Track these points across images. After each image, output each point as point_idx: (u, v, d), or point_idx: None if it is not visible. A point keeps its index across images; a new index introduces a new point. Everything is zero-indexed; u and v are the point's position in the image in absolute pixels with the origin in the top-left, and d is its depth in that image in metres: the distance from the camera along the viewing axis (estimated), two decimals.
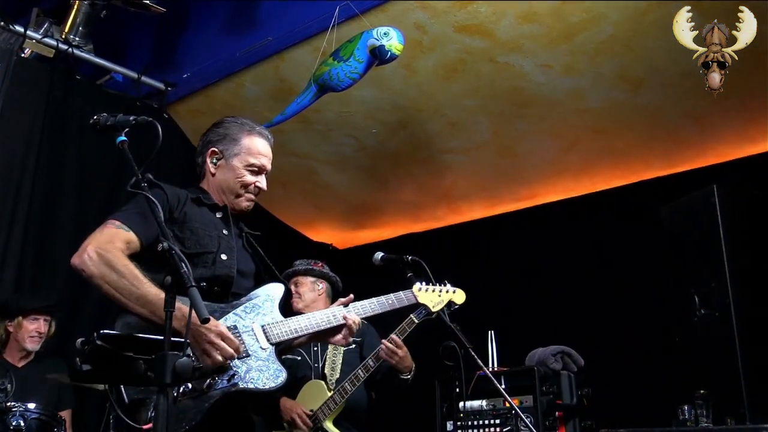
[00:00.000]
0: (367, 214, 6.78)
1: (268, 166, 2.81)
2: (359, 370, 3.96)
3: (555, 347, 4.18)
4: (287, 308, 2.74)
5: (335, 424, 4.03)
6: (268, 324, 2.54)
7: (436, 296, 3.34)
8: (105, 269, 2.27)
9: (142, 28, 5.78)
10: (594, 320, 5.04)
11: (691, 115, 4.82)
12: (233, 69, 5.24)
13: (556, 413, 3.96)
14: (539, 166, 5.64)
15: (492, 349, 4.43)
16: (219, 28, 5.36)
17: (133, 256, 2.36)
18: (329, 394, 4.03)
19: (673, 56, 4.15)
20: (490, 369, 4.24)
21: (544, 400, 3.94)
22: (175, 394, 2.17)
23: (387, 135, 5.62)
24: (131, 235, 2.39)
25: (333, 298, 4.48)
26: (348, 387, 3.96)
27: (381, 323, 4.20)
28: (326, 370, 4.21)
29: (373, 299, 2.95)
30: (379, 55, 4.09)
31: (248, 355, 2.42)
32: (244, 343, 2.43)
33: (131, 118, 2.24)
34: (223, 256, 2.57)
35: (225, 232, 2.66)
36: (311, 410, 4.03)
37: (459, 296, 3.44)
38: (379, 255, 3.57)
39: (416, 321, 3.86)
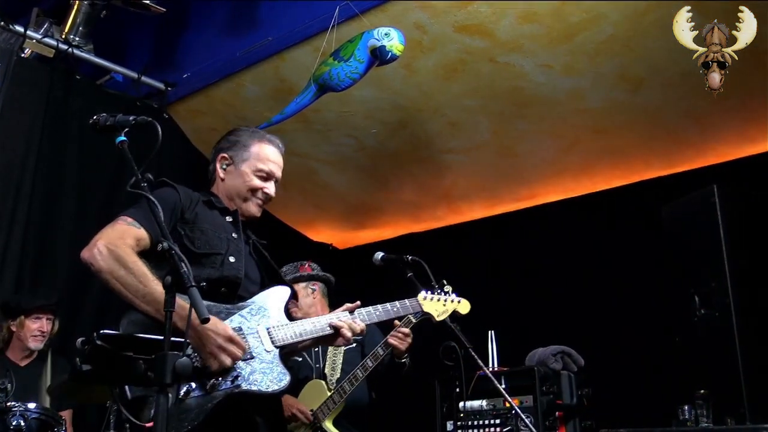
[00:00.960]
0: (368, 214, 6.78)
1: (278, 174, 2.84)
2: (358, 370, 3.95)
3: (555, 347, 4.18)
4: (288, 319, 2.73)
5: (335, 423, 4.03)
6: (273, 327, 2.55)
7: (440, 305, 3.32)
8: (114, 265, 2.29)
9: (142, 28, 5.79)
10: (594, 320, 5.04)
11: (691, 115, 4.82)
12: (233, 69, 5.24)
13: (556, 413, 3.96)
14: (539, 166, 5.64)
15: (492, 349, 4.43)
16: (219, 28, 5.36)
17: (142, 254, 2.38)
18: (329, 394, 4.03)
19: (673, 56, 4.15)
20: (490, 369, 4.23)
21: (544, 400, 3.94)
22: (179, 394, 2.18)
23: (387, 135, 5.62)
24: (142, 232, 2.41)
25: (329, 295, 4.47)
26: (347, 387, 3.96)
27: (379, 323, 4.21)
28: (326, 370, 4.20)
29: (378, 306, 2.95)
30: (379, 56, 4.09)
31: (252, 357, 2.42)
32: (249, 344, 2.43)
33: (131, 118, 2.24)
34: (232, 259, 2.58)
35: (234, 235, 2.67)
36: (311, 410, 4.03)
37: (464, 306, 3.42)
38: (379, 255, 3.57)
39: (414, 321, 3.86)
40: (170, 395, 2.02)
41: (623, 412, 4.24)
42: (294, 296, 2.74)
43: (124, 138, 2.22)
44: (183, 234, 2.53)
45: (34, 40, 5.12)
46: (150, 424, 2.13)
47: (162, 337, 1.84)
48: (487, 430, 4.10)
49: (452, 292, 3.42)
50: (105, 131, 2.25)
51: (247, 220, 2.81)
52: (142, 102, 5.57)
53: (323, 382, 4.14)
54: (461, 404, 4.09)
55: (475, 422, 4.13)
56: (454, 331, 3.28)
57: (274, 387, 2.42)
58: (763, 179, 4.58)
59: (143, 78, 5.58)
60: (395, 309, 3.03)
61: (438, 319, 3.29)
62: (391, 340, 3.89)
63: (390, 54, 4.08)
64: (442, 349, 3.42)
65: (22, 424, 3.67)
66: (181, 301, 2.05)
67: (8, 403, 3.72)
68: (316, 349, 4.27)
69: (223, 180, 2.80)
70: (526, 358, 4.27)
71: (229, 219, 2.73)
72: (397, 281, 3.32)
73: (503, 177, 5.87)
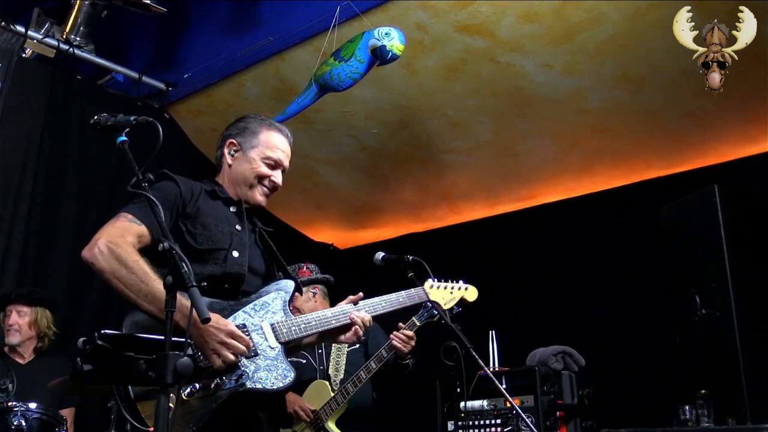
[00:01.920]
0: (368, 214, 6.78)
1: (286, 163, 2.82)
2: (361, 372, 3.95)
3: (556, 347, 4.18)
4: None
5: (338, 424, 4.03)
6: (278, 322, 2.52)
7: (447, 293, 3.31)
8: (115, 264, 2.27)
9: (142, 28, 5.79)
10: (595, 320, 5.03)
11: (692, 115, 4.82)
12: (234, 69, 5.24)
13: (557, 413, 3.96)
14: (540, 166, 5.64)
15: (493, 349, 4.43)
16: (220, 28, 5.37)
17: (144, 251, 2.36)
18: (332, 395, 4.03)
19: (673, 56, 4.15)
20: (491, 369, 4.24)
21: (545, 400, 3.94)
22: (183, 395, 2.17)
23: (388, 135, 5.62)
24: (143, 229, 2.38)
25: (330, 296, 4.46)
26: (350, 388, 3.96)
27: (382, 324, 4.21)
28: (330, 371, 4.20)
29: (384, 297, 2.92)
30: (380, 56, 4.09)
31: (257, 354, 2.40)
32: (253, 341, 2.41)
33: (132, 118, 2.23)
34: (235, 253, 2.55)
35: (238, 227, 2.64)
36: (314, 410, 4.03)
37: (471, 293, 3.41)
38: (379, 255, 3.56)
39: (418, 324, 3.85)
40: (172, 395, 2.03)
41: (624, 412, 4.24)
42: (298, 289, 2.70)
43: (125, 138, 2.21)
44: (184, 230, 2.49)
45: (35, 41, 5.13)
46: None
47: (163, 337, 1.83)
48: (488, 430, 4.10)
49: (459, 280, 3.40)
50: (106, 131, 2.24)
51: (251, 208, 2.78)
52: (142, 102, 5.57)
53: (327, 383, 4.14)
54: (462, 404, 4.10)
55: (476, 422, 4.13)
56: (455, 331, 3.27)
57: (279, 384, 2.39)
58: (764, 179, 4.58)
59: (144, 78, 5.58)
60: (401, 299, 2.99)
61: (446, 306, 3.27)
62: (395, 343, 3.88)
63: (390, 54, 4.08)
64: (443, 349, 3.41)
65: (24, 423, 3.67)
66: (184, 300, 2.03)
67: (9, 403, 3.72)
68: (320, 350, 4.27)
69: (230, 166, 2.76)
70: (527, 358, 4.27)
71: (233, 209, 2.70)
72: (397, 281, 3.31)
73: (504, 177, 5.87)
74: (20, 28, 4.99)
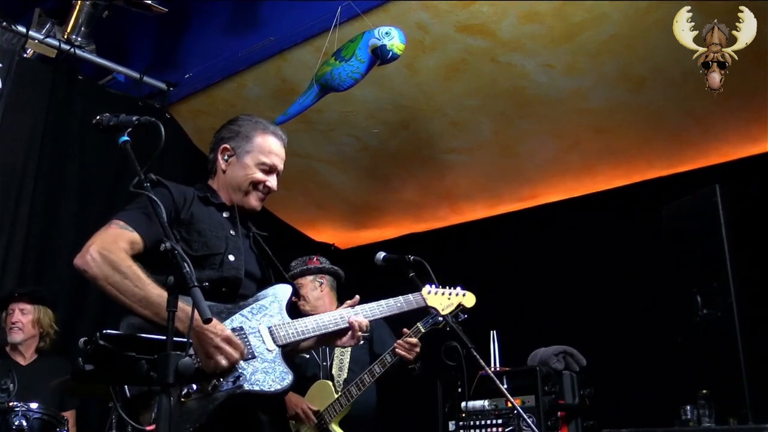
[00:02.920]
0: (369, 214, 6.78)
1: (280, 166, 2.78)
2: (365, 375, 3.93)
3: (557, 347, 4.18)
4: (295, 313, 2.71)
5: (341, 425, 4.02)
6: (275, 325, 2.52)
7: (445, 299, 3.28)
8: (108, 270, 2.26)
9: (144, 28, 5.79)
10: (596, 320, 5.03)
11: (693, 115, 4.82)
12: (235, 69, 5.25)
13: (559, 413, 3.97)
14: (541, 166, 5.64)
15: (494, 348, 4.43)
16: (221, 28, 5.37)
17: (137, 257, 2.34)
18: (335, 396, 4.02)
19: (674, 56, 4.14)
20: (493, 369, 4.24)
21: (546, 400, 3.95)
22: (180, 396, 2.17)
23: (389, 135, 5.62)
24: (135, 236, 2.37)
25: (338, 289, 4.44)
26: (354, 391, 3.93)
27: (388, 323, 4.20)
28: (334, 370, 4.17)
29: (382, 302, 2.91)
30: (380, 55, 4.09)
31: (254, 357, 2.40)
32: (250, 344, 2.41)
33: (134, 118, 2.23)
34: (231, 258, 2.55)
35: (232, 232, 2.63)
36: (317, 410, 4.02)
37: (469, 299, 3.38)
38: (381, 255, 3.55)
39: (423, 330, 3.83)
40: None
41: (625, 412, 4.24)
42: (296, 294, 2.71)
43: (127, 138, 2.21)
44: (179, 237, 2.47)
45: (37, 41, 5.13)
46: (151, 427, 2.12)
47: (164, 337, 1.84)
48: (489, 430, 4.10)
49: (457, 286, 3.39)
50: (108, 131, 2.24)
51: (246, 214, 2.76)
52: (144, 102, 5.57)
53: (330, 384, 4.11)
54: (463, 404, 4.10)
55: (477, 422, 4.14)
56: (456, 331, 3.27)
57: (276, 386, 2.40)
58: (765, 179, 4.58)
59: (145, 78, 5.59)
60: (399, 304, 2.98)
61: (443, 312, 3.25)
62: (399, 351, 3.86)
63: (391, 53, 4.07)
64: (444, 349, 3.41)
65: (25, 424, 3.67)
66: (181, 303, 2.03)
67: (11, 403, 3.73)
68: (323, 346, 4.25)
69: (224, 172, 2.73)
70: (528, 358, 4.27)
71: (226, 215, 2.69)
72: (398, 281, 3.31)
73: (505, 177, 5.86)
74: (21, 29, 5.00)
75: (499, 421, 4.07)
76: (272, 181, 2.75)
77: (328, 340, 2.80)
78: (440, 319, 3.45)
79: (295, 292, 2.70)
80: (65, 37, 5.32)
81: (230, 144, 2.75)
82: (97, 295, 4.93)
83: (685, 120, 4.88)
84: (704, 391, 3.26)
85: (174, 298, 1.88)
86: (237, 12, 5.27)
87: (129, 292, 2.24)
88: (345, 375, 4.15)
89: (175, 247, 1.93)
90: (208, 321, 1.88)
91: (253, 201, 2.73)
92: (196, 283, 1.88)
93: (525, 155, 5.56)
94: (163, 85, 5.65)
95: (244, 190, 2.71)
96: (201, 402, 2.26)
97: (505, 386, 3.95)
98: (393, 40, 4.05)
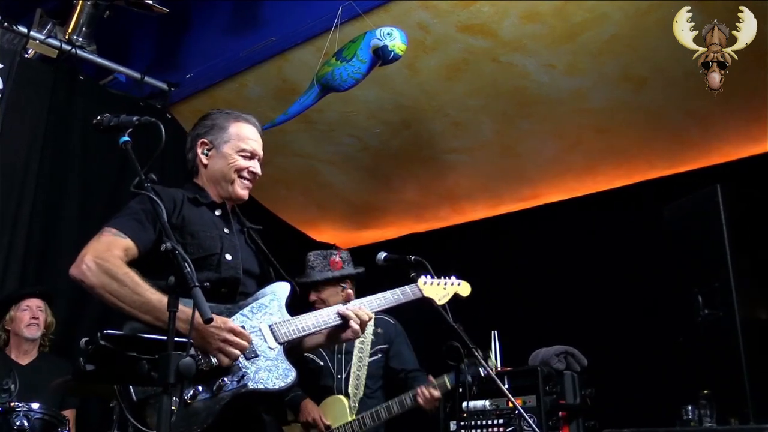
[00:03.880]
0: (370, 214, 6.78)
1: (260, 152, 2.78)
2: (382, 410, 3.87)
3: (558, 347, 4.17)
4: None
5: None
6: (276, 323, 2.53)
7: (441, 289, 3.28)
8: (105, 279, 2.26)
9: (145, 29, 5.79)
10: (597, 320, 5.03)
11: (695, 115, 4.81)
12: (236, 69, 5.25)
13: (560, 413, 3.96)
14: (542, 166, 5.64)
15: (495, 348, 4.42)
16: (222, 28, 5.37)
17: (131, 264, 2.34)
18: (348, 418, 3.93)
19: (676, 56, 4.14)
20: (494, 369, 4.23)
21: (547, 400, 3.94)
22: (186, 398, 2.17)
23: (390, 135, 5.62)
24: (128, 242, 2.36)
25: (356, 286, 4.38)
26: (368, 421, 3.86)
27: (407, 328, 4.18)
28: (350, 387, 4.06)
29: (379, 294, 2.92)
30: (382, 56, 4.09)
31: (257, 356, 2.41)
32: (252, 343, 2.42)
33: (134, 118, 2.23)
34: (228, 257, 2.55)
35: (226, 230, 2.63)
36: (329, 425, 3.94)
37: (464, 288, 3.38)
38: (382, 255, 3.54)
39: (449, 386, 3.79)
40: (174, 398, 2.03)
41: (626, 412, 4.24)
42: (294, 291, 2.69)
43: (128, 138, 2.21)
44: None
45: (38, 41, 5.13)
46: None
47: (165, 337, 1.84)
48: (490, 430, 4.10)
49: (452, 275, 3.38)
50: (108, 132, 2.24)
51: (235, 204, 2.76)
52: (145, 102, 5.58)
53: (346, 402, 4.01)
54: (464, 404, 4.09)
55: (479, 422, 4.13)
56: (457, 330, 3.27)
57: (280, 384, 2.41)
58: (766, 179, 4.57)
59: (146, 78, 5.59)
60: (396, 296, 2.99)
61: (440, 303, 3.22)
62: (420, 400, 3.83)
63: (392, 54, 4.08)
64: (445, 349, 3.41)
65: (26, 424, 3.67)
66: (182, 306, 2.01)
67: (12, 404, 3.72)
68: (339, 356, 4.15)
69: (206, 166, 2.72)
70: (529, 358, 4.27)
71: (218, 213, 2.68)
72: (400, 281, 3.31)
73: (506, 177, 5.86)
74: (23, 29, 4.99)
75: (500, 422, 4.06)
76: (256, 167, 2.75)
77: (335, 337, 2.79)
78: (470, 378, 3.42)
79: (293, 291, 2.69)
80: (66, 37, 5.32)
81: (207, 138, 2.74)
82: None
83: (687, 120, 4.88)
84: (705, 391, 3.27)
85: (174, 298, 1.88)
86: (238, 12, 5.27)
87: (128, 298, 2.25)
88: (361, 393, 4.07)
89: (176, 247, 1.93)
90: (209, 321, 1.88)
91: (240, 190, 2.71)
92: (197, 283, 1.88)
93: (526, 155, 5.56)
94: (164, 86, 5.65)
95: (230, 179, 2.69)
96: (207, 403, 2.26)
97: (507, 386, 3.95)
98: (395, 40, 4.06)
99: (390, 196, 6.47)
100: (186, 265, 1.90)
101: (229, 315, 2.46)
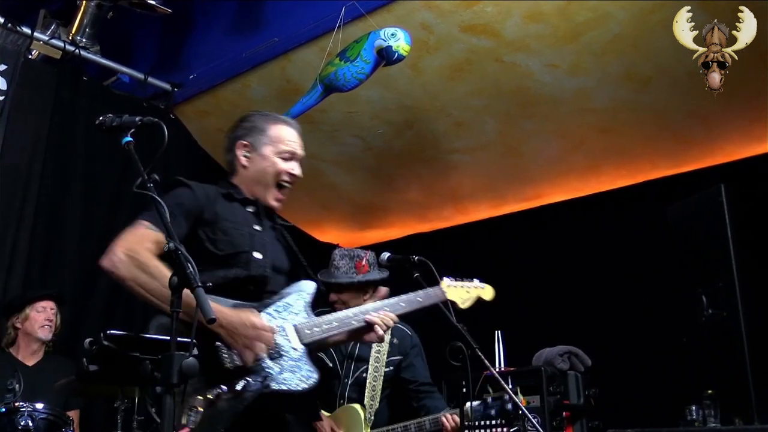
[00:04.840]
0: (374, 214, 6.78)
1: (300, 152, 2.80)
2: (399, 429, 3.84)
3: (562, 347, 4.16)
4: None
5: None
6: (301, 324, 2.53)
7: (464, 292, 3.25)
8: (136, 271, 2.28)
9: (148, 29, 5.80)
10: (601, 320, 5.02)
11: (698, 115, 4.81)
12: (239, 70, 5.26)
13: (564, 413, 3.95)
14: (545, 166, 5.64)
15: (499, 349, 4.42)
16: (225, 28, 5.37)
17: (163, 256, 2.33)
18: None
19: (679, 55, 4.12)
20: (497, 369, 4.23)
21: (551, 400, 3.93)
22: (210, 397, 2.17)
23: (393, 135, 5.62)
24: (160, 235, 2.36)
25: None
26: None
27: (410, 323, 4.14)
28: (366, 399, 3.99)
29: (402, 296, 2.91)
30: (386, 56, 4.09)
31: (281, 356, 2.41)
32: (277, 343, 2.43)
33: (137, 118, 2.24)
34: (257, 255, 2.56)
35: (257, 227, 2.65)
36: None
37: (488, 292, 3.36)
38: (385, 255, 3.54)
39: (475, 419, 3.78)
40: (200, 397, 2.07)
41: (631, 412, 4.23)
42: (319, 290, 2.70)
43: (131, 139, 2.22)
44: (204, 237, 2.50)
45: (41, 42, 5.15)
46: (185, 430, 2.14)
47: (168, 338, 1.84)
48: (493, 430, 4.09)
49: (474, 279, 3.34)
50: (111, 132, 2.25)
51: (270, 207, 2.77)
52: (148, 103, 5.59)
53: (362, 415, 3.95)
54: (468, 404, 4.08)
55: (482, 422, 4.13)
56: (461, 331, 3.26)
57: (303, 385, 2.41)
58: None
59: (150, 79, 5.60)
60: (420, 298, 2.98)
61: (462, 306, 3.20)
62: (443, 420, 3.78)
63: (396, 54, 4.08)
64: (448, 350, 3.40)
65: (30, 424, 3.68)
66: (214, 303, 2.03)
67: (17, 404, 3.73)
68: (350, 360, 4.10)
69: (245, 167, 2.74)
70: (533, 359, 4.25)
71: (250, 209, 2.70)
72: (403, 281, 3.31)
73: (509, 177, 5.86)
74: (26, 30, 5.01)
75: (504, 422, 4.06)
76: (296, 169, 2.78)
77: (356, 334, 2.79)
78: (492, 411, 3.36)
79: (318, 289, 2.69)
80: (70, 38, 5.33)
81: (247, 140, 2.76)
82: (102, 296, 4.96)
83: (690, 119, 4.87)
84: (710, 392, 3.26)
85: (178, 298, 1.88)
86: (241, 13, 5.27)
87: (157, 291, 2.25)
88: (377, 405, 4.01)
89: (178, 248, 1.93)
90: (211, 321, 1.88)
91: (271, 201, 2.74)
92: (199, 284, 1.88)
93: (529, 155, 5.55)
94: (167, 86, 5.66)
95: (266, 183, 2.72)
96: (231, 403, 2.27)
97: (510, 386, 3.94)
98: (399, 41, 4.05)
99: (393, 196, 6.47)
100: (189, 265, 1.91)
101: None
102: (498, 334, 4.43)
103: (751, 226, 3.52)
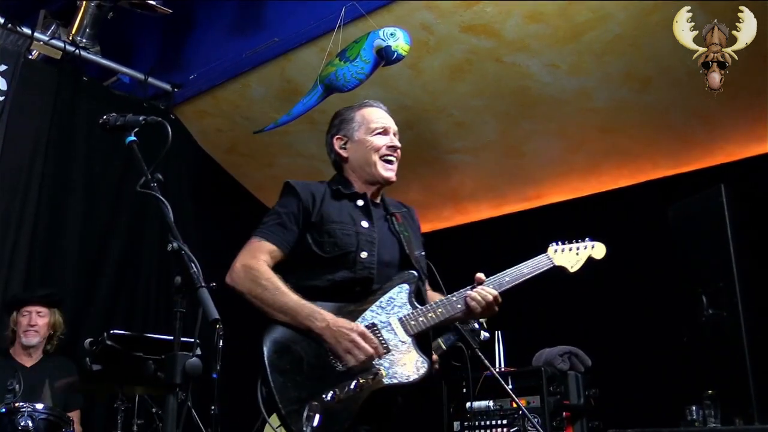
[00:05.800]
0: None
1: (393, 126, 2.83)
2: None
3: (562, 347, 4.18)
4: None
5: None
6: (405, 316, 2.55)
7: (573, 255, 3.17)
8: (251, 285, 2.44)
9: (148, 30, 5.80)
10: (601, 320, 5.02)
11: (699, 115, 4.81)
12: (239, 70, 5.25)
13: (564, 413, 3.96)
14: (546, 166, 5.64)
15: (499, 349, 4.43)
16: (225, 29, 5.38)
17: (277, 265, 2.52)
18: None
19: (680, 55, 4.12)
20: (498, 369, 4.24)
21: (551, 400, 3.95)
22: (326, 399, 2.26)
23: None
24: (271, 246, 2.53)
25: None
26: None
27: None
28: None
29: (507, 271, 2.90)
30: (385, 56, 4.09)
31: (389, 351, 2.45)
32: (384, 338, 2.46)
33: (141, 118, 2.25)
34: (364, 255, 2.58)
35: (364, 223, 2.66)
36: None
37: (599, 250, 3.24)
38: None
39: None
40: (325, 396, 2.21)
41: (631, 412, 4.24)
42: (420, 278, 2.69)
43: (134, 138, 2.23)
44: (311, 241, 2.57)
45: (42, 42, 5.15)
46: None
47: (172, 337, 1.84)
48: (494, 430, 4.10)
49: (586, 238, 3.22)
50: (115, 131, 2.26)
51: (383, 189, 2.81)
52: (148, 103, 5.58)
53: None
54: (468, 404, 4.09)
55: (483, 422, 4.13)
56: (462, 331, 3.27)
57: (414, 377, 2.43)
58: None
59: (150, 79, 5.60)
60: (526, 269, 2.97)
61: (572, 270, 3.11)
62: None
63: (396, 54, 4.08)
64: (449, 350, 3.41)
65: (30, 424, 3.67)
66: (322, 311, 2.34)
67: (17, 404, 3.73)
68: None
69: (347, 159, 2.79)
70: (533, 359, 4.27)
71: (360, 203, 2.72)
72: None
73: (510, 177, 5.86)
74: (27, 30, 5.01)
75: (504, 422, 4.07)
76: (393, 140, 2.80)
77: (462, 316, 2.77)
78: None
79: (420, 276, 2.68)
80: (70, 38, 5.33)
81: (340, 133, 2.82)
82: (103, 295, 4.96)
83: (691, 120, 4.87)
84: (710, 392, 3.26)
85: (181, 298, 1.89)
86: (241, 13, 5.28)
87: (269, 301, 2.41)
88: None
89: (182, 247, 1.94)
90: (214, 322, 1.88)
91: (384, 172, 2.75)
92: (203, 284, 1.89)
93: (530, 155, 5.55)
94: (167, 86, 5.66)
95: (372, 162, 2.74)
96: (346, 404, 2.32)
97: (510, 387, 3.95)
98: (398, 41, 4.06)
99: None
100: (192, 265, 1.91)
101: (360, 314, 2.50)
102: (498, 334, 4.45)
103: (751, 226, 3.53)
